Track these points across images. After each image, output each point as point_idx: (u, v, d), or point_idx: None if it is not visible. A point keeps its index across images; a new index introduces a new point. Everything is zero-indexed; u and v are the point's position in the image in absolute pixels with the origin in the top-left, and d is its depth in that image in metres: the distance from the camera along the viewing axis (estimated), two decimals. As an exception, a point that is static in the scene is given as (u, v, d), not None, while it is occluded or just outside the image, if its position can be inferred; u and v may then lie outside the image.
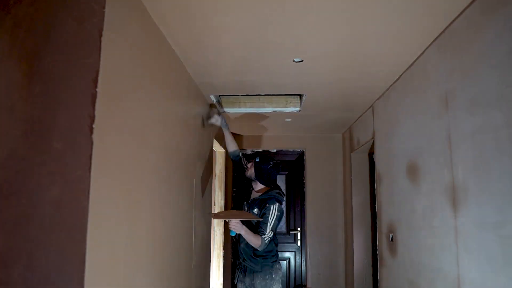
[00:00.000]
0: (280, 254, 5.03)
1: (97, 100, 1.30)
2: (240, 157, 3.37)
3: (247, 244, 3.02)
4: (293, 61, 2.46)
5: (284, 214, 3.11)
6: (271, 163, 3.12)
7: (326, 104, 3.56)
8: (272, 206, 2.99)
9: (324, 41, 2.17)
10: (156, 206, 1.97)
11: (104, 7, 1.36)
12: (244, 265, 3.15)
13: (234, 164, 3.46)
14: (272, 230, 2.96)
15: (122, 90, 1.53)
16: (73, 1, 1.36)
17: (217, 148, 4.45)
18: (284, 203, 3.22)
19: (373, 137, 3.51)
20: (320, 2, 1.75)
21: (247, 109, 3.72)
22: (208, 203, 3.53)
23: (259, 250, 2.97)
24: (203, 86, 3.01)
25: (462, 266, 1.83)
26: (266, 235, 2.93)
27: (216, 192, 4.63)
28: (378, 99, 3.32)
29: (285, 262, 5.05)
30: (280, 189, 3.20)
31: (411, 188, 2.54)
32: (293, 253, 5.07)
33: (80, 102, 1.29)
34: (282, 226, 5.11)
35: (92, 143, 1.27)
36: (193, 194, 2.85)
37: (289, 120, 4.19)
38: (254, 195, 3.20)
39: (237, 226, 2.87)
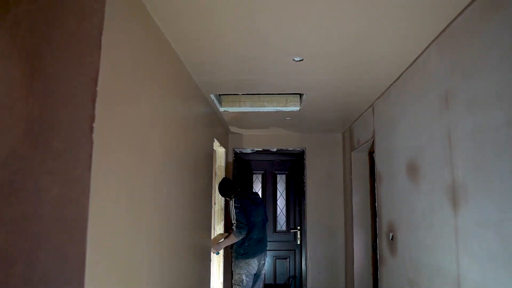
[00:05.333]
0: (279, 253, 5.04)
1: (97, 99, 1.30)
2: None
3: (235, 245, 3.83)
4: (293, 60, 2.46)
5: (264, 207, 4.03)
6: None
7: (326, 103, 3.56)
8: (230, 202, 3.78)
9: (324, 40, 2.17)
10: (157, 205, 1.97)
11: (104, 7, 1.36)
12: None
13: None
14: (237, 220, 3.66)
15: (122, 89, 1.53)
16: (73, 0, 1.36)
17: (217, 147, 4.45)
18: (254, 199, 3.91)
19: (373, 136, 3.51)
20: (320, 2, 1.75)
21: (247, 108, 3.72)
22: (208, 202, 3.54)
23: (241, 237, 3.66)
24: (203, 85, 3.01)
25: (462, 265, 1.83)
26: (233, 227, 3.68)
27: (216, 191, 4.63)
28: (378, 98, 3.32)
29: (285, 260, 5.06)
30: (243, 190, 3.95)
31: (411, 187, 2.54)
32: (293, 251, 5.07)
33: (80, 101, 1.29)
34: (283, 225, 5.12)
35: (92, 143, 1.27)
36: (193, 193, 2.85)
37: (289, 119, 4.19)
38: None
39: (215, 248, 3.76)
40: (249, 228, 3.70)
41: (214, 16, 1.89)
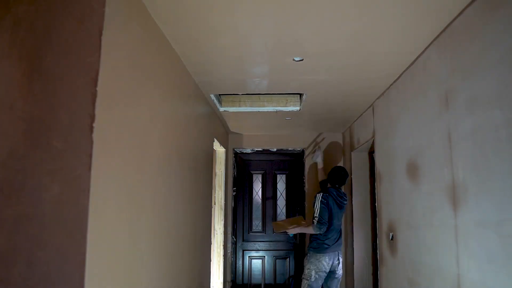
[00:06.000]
0: (279, 253, 5.03)
1: (97, 99, 1.30)
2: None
3: (310, 238, 3.78)
4: (294, 60, 2.46)
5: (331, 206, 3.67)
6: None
7: (326, 103, 3.56)
8: (317, 195, 3.68)
9: (324, 40, 2.17)
10: (157, 205, 1.97)
11: (104, 7, 1.36)
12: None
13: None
14: (320, 215, 3.59)
15: (122, 89, 1.53)
16: (73, 0, 1.36)
17: (217, 147, 4.45)
18: (331, 195, 3.71)
19: (373, 136, 3.51)
20: (320, 2, 1.75)
21: (247, 108, 3.72)
22: (209, 201, 3.54)
23: (318, 233, 3.58)
24: (203, 85, 3.01)
25: (462, 265, 1.83)
26: (314, 220, 3.59)
27: (217, 191, 4.63)
28: (378, 98, 3.32)
29: (285, 260, 5.06)
30: (334, 187, 3.79)
31: (411, 187, 2.54)
32: (293, 251, 5.07)
33: (80, 101, 1.30)
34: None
35: (92, 142, 1.27)
36: (194, 193, 2.85)
37: (289, 119, 4.19)
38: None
39: (290, 230, 3.82)
40: (329, 227, 3.63)
41: (214, 16, 1.89)
